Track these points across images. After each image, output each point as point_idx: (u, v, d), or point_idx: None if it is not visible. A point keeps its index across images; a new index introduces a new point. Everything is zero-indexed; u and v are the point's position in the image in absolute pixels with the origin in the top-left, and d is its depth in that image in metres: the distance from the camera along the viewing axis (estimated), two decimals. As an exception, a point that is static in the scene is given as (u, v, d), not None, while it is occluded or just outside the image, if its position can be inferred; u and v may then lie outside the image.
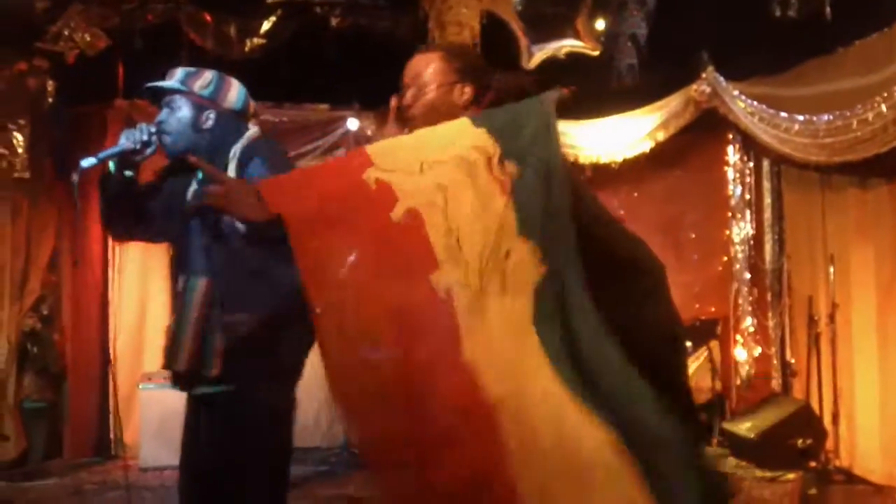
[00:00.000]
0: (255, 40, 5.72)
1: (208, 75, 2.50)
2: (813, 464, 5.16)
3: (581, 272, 1.66)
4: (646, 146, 5.95)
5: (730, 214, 6.14)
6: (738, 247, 6.11)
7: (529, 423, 1.61)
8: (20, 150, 6.01)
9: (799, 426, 5.18)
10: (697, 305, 6.18)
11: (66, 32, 5.76)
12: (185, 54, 5.68)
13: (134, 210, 2.54)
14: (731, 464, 5.04)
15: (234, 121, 2.51)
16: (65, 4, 5.68)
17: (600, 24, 5.68)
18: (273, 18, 5.68)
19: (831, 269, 5.28)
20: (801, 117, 5.20)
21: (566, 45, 5.40)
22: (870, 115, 4.82)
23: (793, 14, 5.06)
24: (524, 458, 1.60)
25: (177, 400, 5.89)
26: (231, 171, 2.40)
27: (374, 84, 6.47)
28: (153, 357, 6.41)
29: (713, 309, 6.20)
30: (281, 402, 2.49)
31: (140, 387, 5.97)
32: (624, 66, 5.36)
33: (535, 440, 1.61)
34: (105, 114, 6.42)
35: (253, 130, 2.52)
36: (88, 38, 5.74)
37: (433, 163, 1.75)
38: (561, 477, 1.61)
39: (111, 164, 2.43)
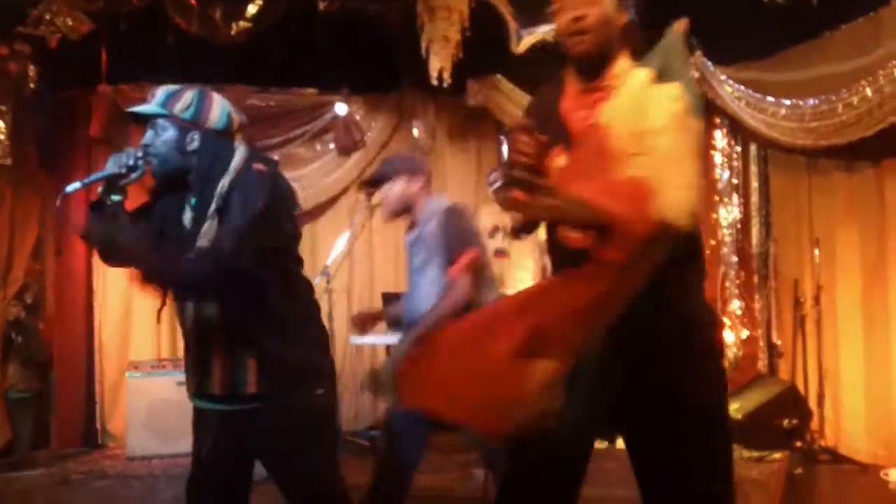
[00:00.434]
0: (241, 24, 5.66)
1: (188, 96, 2.45)
2: (799, 444, 5.23)
3: None
4: (634, 130, 5.95)
5: (717, 198, 6.18)
6: (725, 230, 6.14)
7: None
8: (2, 137, 5.92)
9: (785, 407, 5.25)
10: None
11: (48, 17, 5.66)
12: (169, 39, 5.63)
13: (128, 238, 2.45)
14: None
15: (220, 140, 2.47)
16: (47, -12, 5.60)
17: (589, 9, 5.67)
18: (259, 2, 5.62)
19: (817, 252, 5.34)
20: (787, 102, 5.24)
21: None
22: (855, 100, 4.86)
23: (780, -1, 5.09)
24: None
25: (164, 389, 5.95)
26: (218, 196, 2.39)
27: (362, 68, 6.51)
28: (139, 345, 6.39)
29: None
30: (323, 398, 2.57)
31: (127, 375, 5.94)
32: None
33: None
34: (89, 99, 6.36)
35: (241, 151, 2.47)
36: (71, 23, 5.65)
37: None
38: None
39: (99, 190, 2.40)
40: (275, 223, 2.43)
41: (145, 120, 2.47)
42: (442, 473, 5.14)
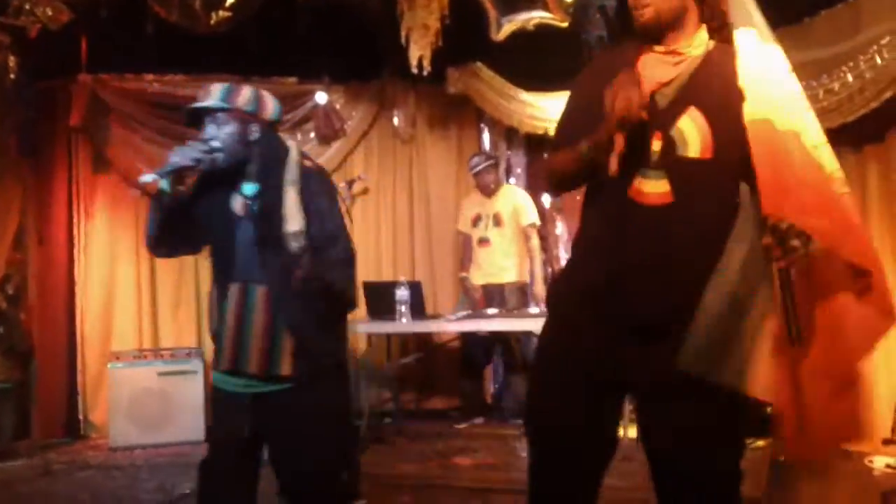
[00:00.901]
0: (221, 13, 5.61)
1: (247, 91, 2.65)
2: (782, 431, 5.22)
3: None
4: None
5: (700, 186, 6.17)
6: (707, 218, 6.12)
7: None
8: (-18, 127, 5.92)
9: (768, 394, 5.23)
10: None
11: (28, 6, 5.62)
12: (149, 28, 5.60)
13: (183, 226, 2.66)
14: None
15: (274, 131, 2.69)
16: (25, -22, 5.56)
17: (569, -4, 5.66)
18: (239, -9, 5.59)
19: (799, 239, 5.32)
20: (768, 88, 5.21)
21: (535, 16, 5.36)
22: (836, 85, 4.86)
23: (759, -16, 5.06)
24: None
25: (146, 379, 5.96)
26: (290, 188, 2.58)
27: (343, 57, 6.48)
28: (121, 336, 6.38)
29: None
30: (346, 387, 2.82)
31: (109, 366, 5.91)
32: (593, 38, 5.33)
33: None
34: (69, 89, 6.33)
35: (294, 152, 2.65)
36: (51, 12, 5.61)
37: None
38: None
39: (163, 183, 2.53)
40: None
41: (197, 117, 2.62)
42: (423, 462, 5.14)
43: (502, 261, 6.12)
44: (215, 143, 2.56)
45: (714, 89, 2.05)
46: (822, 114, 4.85)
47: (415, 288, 5.75)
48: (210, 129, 2.58)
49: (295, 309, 2.58)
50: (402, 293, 5.51)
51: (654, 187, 2.03)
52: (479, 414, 6.32)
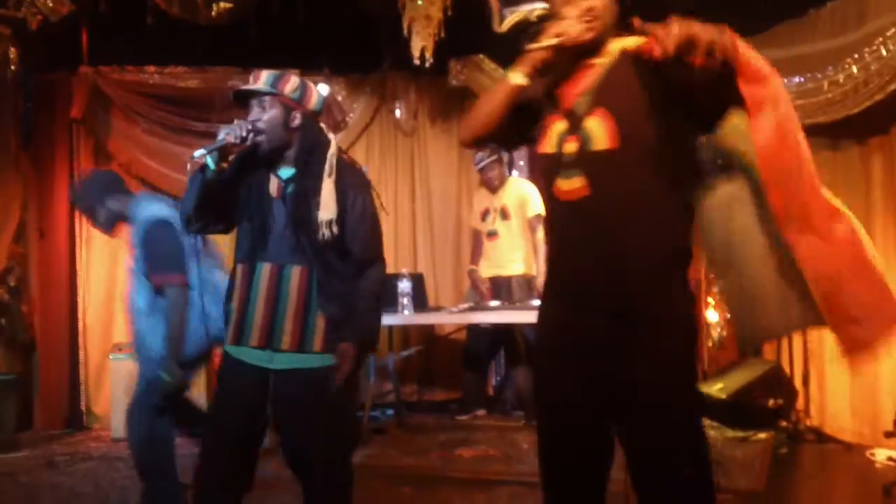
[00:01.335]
0: (222, 4, 5.61)
1: (295, 79, 2.75)
2: (784, 423, 5.22)
3: None
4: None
5: (701, 178, 6.15)
6: (710, 210, 6.11)
7: None
8: (-17, 119, 5.92)
9: (770, 386, 5.23)
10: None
11: (29, -2, 5.63)
12: (150, 20, 5.59)
13: (222, 202, 2.75)
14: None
15: (316, 121, 2.81)
16: (26, -30, 5.55)
17: (572, -13, 5.62)
18: (240, -17, 5.58)
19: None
20: (772, 80, 5.19)
21: (538, 7, 5.32)
22: (841, 77, 4.84)
23: (765, -24, 5.06)
24: None
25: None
26: (327, 178, 2.69)
27: (344, 49, 6.46)
28: (122, 327, 6.36)
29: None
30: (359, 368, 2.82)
31: (110, 357, 5.92)
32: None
33: None
34: (70, 81, 6.34)
35: (334, 146, 2.78)
36: (52, 4, 5.61)
37: None
38: None
39: (209, 159, 2.62)
40: None
41: (244, 99, 2.73)
42: (424, 454, 5.14)
43: (510, 253, 6.10)
44: (260, 125, 2.66)
45: (623, 90, 2.15)
46: (827, 105, 4.88)
47: (416, 280, 5.75)
48: (256, 112, 2.69)
49: (330, 291, 2.68)
50: (403, 285, 5.51)
51: (570, 184, 2.18)
52: (481, 406, 6.32)
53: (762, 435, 5.02)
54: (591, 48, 2.19)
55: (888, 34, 4.62)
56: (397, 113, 6.84)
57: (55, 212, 6.43)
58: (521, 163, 6.94)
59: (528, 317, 5.56)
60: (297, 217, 2.68)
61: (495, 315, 5.67)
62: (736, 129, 2.11)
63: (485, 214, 6.26)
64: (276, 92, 2.69)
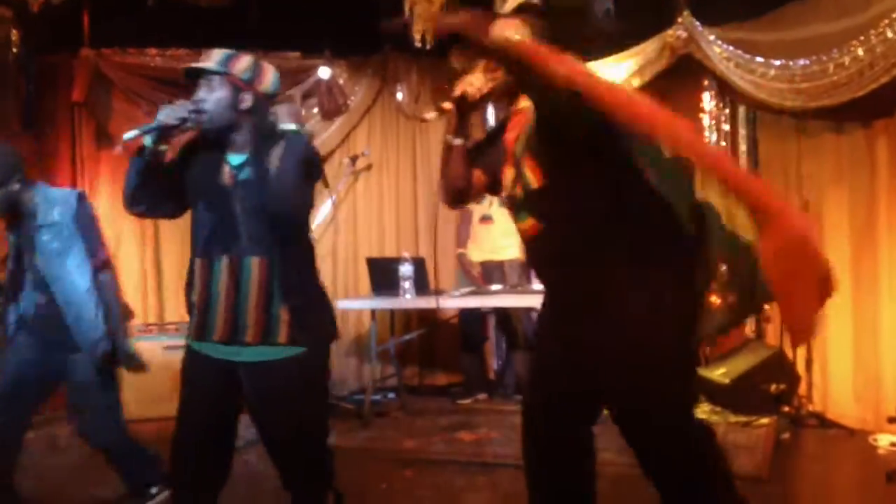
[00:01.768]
0: (224, -13, 5.61)
1: (247, 59, 2.63)
2: (786, 409, 5.20)
3: None
4: (621, 93, 5.87)
5: (705, 161, 6.11)
6: (712, 193, 6.07)
7: None
8: (-15, 102, 5.90)
9: (772, 372, 5.21)
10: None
11: (30, -20, 5.61)
12: (151, 2, 5.56)
13: (163, 186, 2.65)
14: (705, 409, 5.07)
15: (267, 104, 2.68)
16: (28, -48, 5.53)
17: (576, -32, 5.59)
18: (241, -36, 5.56)
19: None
20: (777, 62, 5.16)
21: (538, -12, 5.31)
22: (846, 60, 4.80)
23: (770, -43, 5.02)
24: None
25: (151, 353, 5.94)
26: (277, 160, 2.57)
27: (346, 32, 6.42)
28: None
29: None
30: (328, 357, 2.81)
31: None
32: (600, 11, 5.28)
33: None
34: (72, 63, 6.32)
35: (287, 125, 2.73)
36: (53, -14, 5.59)
37: None
38: None
39: (147, 139, 2.54)
40: (314, 185, 2.68)
41: (196, 77, 2.61)
42: (426, 437, 5.14)
43: (502, 239, 6.09)
44: (205, 105, 2.55)
45: (531, 135, 2.32)
46: (832, 89, 4.85)
47: (418, 264, 5.74)
48: (202, 91, 2.57)
49: (290, 280, 2.60)
50: (405, 269, 5.50)
51: (524, 224, 2.41)
52: (482, 390, 6.32)
53: (764, 420, 5.01)
54: (511, 93, 2.41)
55: (894, 16, 4.58)
56: (399, 96, 6.80)
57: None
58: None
59: (529, 300, 5.56)
60: (250, 205, 2.56)
61: (496, 299, 5.66)
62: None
63: (480, 197, 6.24)
64: (225, 71, 2.57)
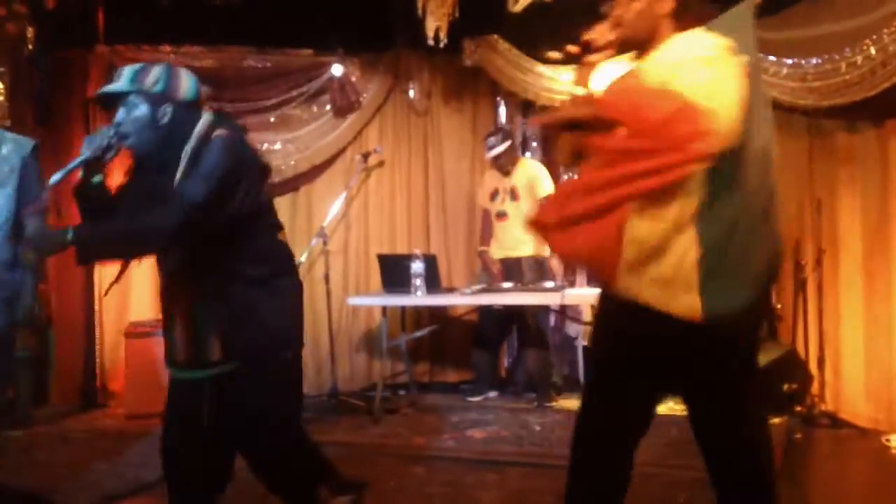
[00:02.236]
0: (238, -16, 5.63)
1: (157, 71, 2.50)
2: (798, 408, 5.19)
3: None
4: (633, 91, 5.86)
5: (718, 160, 6.10)
6: (725, 193, 6.06)
7: None
8: (0, 98, 5.92)
9: (785, 371, 5.20)
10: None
11: (46, -24, 5.64)
12: (166, 0, 5.60)
13: (110, 214, 2.55)
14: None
15: (190, 111, 2.52)
16: (43, -52, 5.57)
17: (586, -34, 5.58)
18: (255, -38, 5.58)
19: (818, 215, 5.28)
20: (789, 61, 5.14)
21: (551, -11, 5.31)
22: (859, 59, 4.78)
23: (783, -44, 5.00)
24: None
25: (162, 349, 5.95)
26: (184, 162, 2.46)
27: (358, 29, 6.43)
28: (138, 306, 6.41)
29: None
30: (286, 361, 2.66)
31: (126, 336, 5.96)
32: (610, 9, 5.27)
33: None
34: (86, 60, 6.34)
35: (206, 117, 2.54)
36: (67, -17, 5.63)
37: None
38: None
39: (94, 176, 2.47)
40: (237, 186, 2.46)
41: (113, 103, 2.49)
42: (436, 434, 5.16)
43: (519, 234, 6.08)
44: (124, 129, 2.44)
45: None
46: (844, 87, 4.83)
47: (430, 261, 5.75)
48: (120, 114, 2.46)
49: (218, 288, 2.52)
50: (416, 266, 5.51)
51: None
52: (493, 387, 6.33)
53: (777, 419, 5.00)
54: (634, 48, 2.44)
55: (907, 15, 4.57)
56: (411, 93, 6.81)
57: (71, 190, 6.44)
58: (535, 143, 6.91)
59: (542, 298, 5.56)
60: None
61: (508, 297, 5.66)
62: None
63: (494, 195, 6.25)
64: (135, 89, 2.44)
